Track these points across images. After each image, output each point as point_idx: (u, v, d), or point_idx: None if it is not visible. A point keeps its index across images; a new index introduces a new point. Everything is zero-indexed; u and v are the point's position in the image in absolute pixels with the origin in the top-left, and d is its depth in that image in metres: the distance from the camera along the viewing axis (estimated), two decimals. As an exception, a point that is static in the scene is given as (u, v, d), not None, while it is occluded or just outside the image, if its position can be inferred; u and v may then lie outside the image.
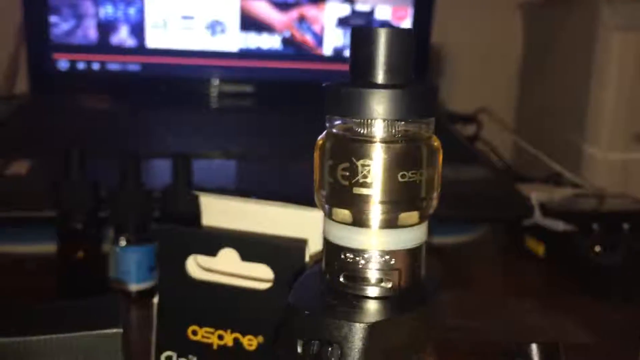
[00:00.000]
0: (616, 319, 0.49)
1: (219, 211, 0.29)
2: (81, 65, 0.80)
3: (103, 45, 0.80)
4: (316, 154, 0.19)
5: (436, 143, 0.19)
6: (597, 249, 0.53)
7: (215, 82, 0.82)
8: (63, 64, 0.80)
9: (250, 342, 0.28)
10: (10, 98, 0.82)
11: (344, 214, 0.19)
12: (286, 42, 0.83)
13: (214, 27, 0.81)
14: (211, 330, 0.28)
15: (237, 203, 0.28)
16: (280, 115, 0.79)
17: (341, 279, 0.19)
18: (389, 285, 0.19)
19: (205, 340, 0.29)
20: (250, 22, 0.82)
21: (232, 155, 0.69)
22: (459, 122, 0.87)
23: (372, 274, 0.19)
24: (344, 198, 0.18)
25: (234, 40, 0.82)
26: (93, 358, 0.23)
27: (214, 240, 0.28)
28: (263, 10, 0.82)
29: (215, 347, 0.29)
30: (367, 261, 0.19)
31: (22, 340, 0.22)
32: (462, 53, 0.94)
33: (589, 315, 0.49)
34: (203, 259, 0.28)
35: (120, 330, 0.22)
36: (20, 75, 0.84)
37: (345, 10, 0.83)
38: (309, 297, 0.20)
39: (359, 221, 0.18)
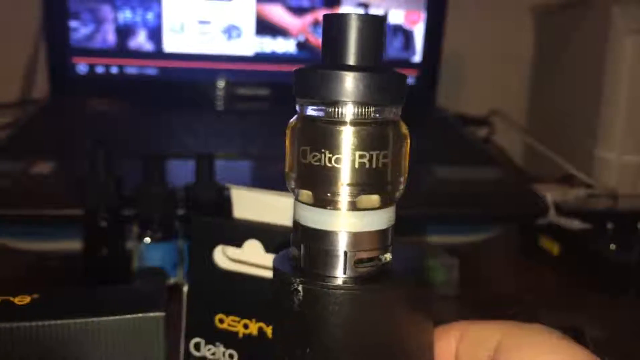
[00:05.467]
0: (632, 316, 0.50)
1: (250, 204, 0.29)
2: (100, 69, 0.81)
3: (121, 50, 0.81)
4: (287, 137, 0.20)
5: (404, 128, 0.19)
6: (612, 247, 0.54)
7: (231, 85, 0.84)
8: (82, 67, 0.81)
9: (274, 332, 0.29)
10: (28, 102, 0.84)
11: (313, 195, 0.19)
12: (301, 46, 0.84)
13: (230, 31, 0.82)
14: (237, 319, 0.29)
15: (267, 196, 0.29)
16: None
17: (309, 260, 0.19)
18: (357, 266, 0.19)
19: (231, 328, 0.30)
20: (265, 27, 0.83)
21: (249, 156, 0.70)
22: (471, 124, 0.88)
23: (340, 254, 0.19)
24: (313, 180, 0.19)
25: (250, 44, 0.83)
26: (137, 339, 0.23)
27: (239, 232, 0.29)
28: (278, 14, 0.83)
29: (240, 335, 0.29)
30: (336, 242, 0.19)
31: (70, 323, 0.23)
32: (474, 56, 0.95)
33: (604, 313, 0.50)
34: (231, 250, 0.29)
35: (163, 313, 0.23)
36: (38, 79, 0.85)
37: (359, 14, 0.84)
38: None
39: (327, 203, 0.19)
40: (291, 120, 0.20)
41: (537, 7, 0.92)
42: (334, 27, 0.19)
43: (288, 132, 0.19)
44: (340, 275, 0.19)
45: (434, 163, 0.68)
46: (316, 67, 0.19)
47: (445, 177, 0.66)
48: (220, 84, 0.83)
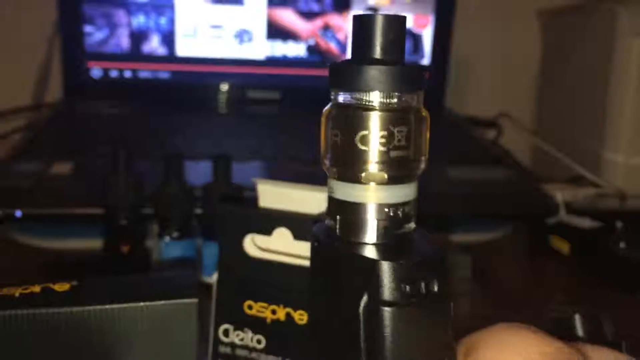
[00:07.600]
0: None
1: (275, 197, 0.31)
2: (114, 73, 0.83)
3: (135, 54, 0.82)
4: (322, 123, 0.22)
5: (424, 113, 0.22)
6: (622, 244, 0.55)
7: (243, 89, 0.85)
8: (96, 72, 0.82)
9: (301, 317, 0.30)
10: (41, 105, 0.85)
11: (346, 173, 0.21)
12: (311, 50, 0.85)
13: (242, 35, 0.84)
14: (265, 305, 0.31)
15: (292, 190, 0.31)
16: (305, 121, 0.80)
17: (344, 229, 0.22)
18: (384, 233, 0.22)
19: (259, 314, 0.31)
20: (276, 31, 0.84)
21: (261, 158, 0.71)
22: (479, 127, 0.89)
23: (370, 224, 0.22)
24: (345, 159, 0.21)
25: (261, 48, 0.84)
26: (171, 325, 0.24)
27: (269, 220, 0.30)
28: (289, 19, 0.84)
29: (268, 321, 0.31)
30: (366, 213, 0.22)
31: (107, 308, 0.24)
32: (482, 59, 0.96)
33: (614, 311, 0.50)
34: (259, 238, 0.30)
35: (196, 300, 0.24)
36: (51, 83, 0.87)
37: (368, 18, 0.85)
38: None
39: (359, 179, 0.21)
40: (325, 108, 0.22)
41: (543, 10, 0.93)
42: (362, 25, 0.21)
43: (323, 118, 0.22)
44: (370, 241, 0.22)
45: (444, 164, 0.69)
46: (348, 61, 0.21)
47: (455, 178, 0.67)
48: (232, 87, 0.85)
